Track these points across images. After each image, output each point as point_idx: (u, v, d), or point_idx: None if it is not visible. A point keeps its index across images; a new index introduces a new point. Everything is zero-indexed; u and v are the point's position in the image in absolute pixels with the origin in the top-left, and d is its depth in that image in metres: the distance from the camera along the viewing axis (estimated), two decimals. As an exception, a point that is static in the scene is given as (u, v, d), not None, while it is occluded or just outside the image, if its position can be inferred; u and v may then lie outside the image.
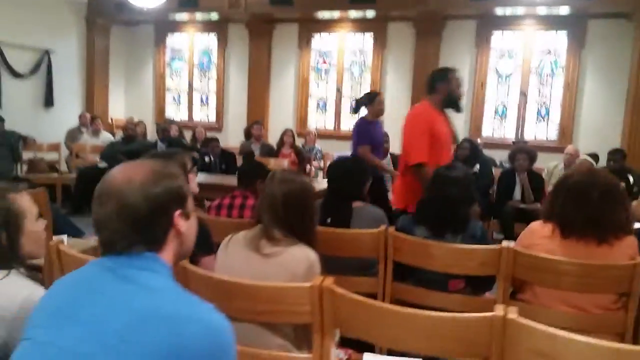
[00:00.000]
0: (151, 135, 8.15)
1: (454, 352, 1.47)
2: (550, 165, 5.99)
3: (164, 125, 6.64)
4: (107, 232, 1.04)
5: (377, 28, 7.98)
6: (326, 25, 8.24)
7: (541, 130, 7.64)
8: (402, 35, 7.82)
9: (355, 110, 4.62)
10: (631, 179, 4.86)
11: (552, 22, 7.32)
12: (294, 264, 1.66)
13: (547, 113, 7.61)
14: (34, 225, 1.49)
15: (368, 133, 4.37)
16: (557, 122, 7.50)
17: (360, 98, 4.63)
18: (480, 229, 2.27)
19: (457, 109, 3.45)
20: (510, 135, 7.73)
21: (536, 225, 2.19)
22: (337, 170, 2.62)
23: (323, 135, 8.07)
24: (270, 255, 1.69)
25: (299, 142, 7.37)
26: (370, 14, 7.72)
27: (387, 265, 2.32)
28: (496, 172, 5.56)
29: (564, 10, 6.90)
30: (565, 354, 1.31)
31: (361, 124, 4.46)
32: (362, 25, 8.08)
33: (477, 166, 5.25)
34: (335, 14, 7.94)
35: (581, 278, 2.04)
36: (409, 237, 2.25)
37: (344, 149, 7.10)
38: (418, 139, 3.22)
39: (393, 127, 7.12)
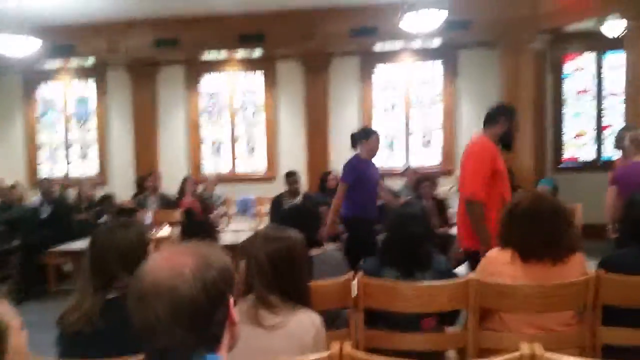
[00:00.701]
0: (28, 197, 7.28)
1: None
2: (445, 189, 6.37)
3: (46, 185, 5.95)
4: (159, 338, 0.86)
5: (266, 66, 8.03)
6: (214, 66, 8.10)
7: (426, 157, 8.14)
8: (291, 72, 7.96)
9: (353, 145, 4.44)
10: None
11: (427, 54, 7.93)
12: (302, 333, 1.51)
13: (430, 140, 8.15)
14: (20, 339, 1.16)
15: (354, 171, 4.21)
16: (440, 147, 8.06)
17: (357, 132, 4.49)
18: (444, 262, 2.31)
19: (509, 148, 3.33)
20: (399, 164, 8.13)
21: (494, 253, 2.27)
22: (286, 218, 2.51)
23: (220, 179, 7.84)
24: (275, 327, 1.52)
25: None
26: (258, 52, 7.75)
27: (358, 312, 2.24)
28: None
29: (437, 42, 7.51)
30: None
31: (351, 161, 4.32)
32: (250, 64, 8.07)
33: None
34: (223, 54, 7.86)
35: (544, 299, 2.14)
36: (379, 281, 2.21)
37: (246, 192, 6.96)
38: (479, 174, 3.07)
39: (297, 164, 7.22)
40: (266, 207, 6.57)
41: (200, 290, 0.88)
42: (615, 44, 7.03)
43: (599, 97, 7.78)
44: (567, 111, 7.89)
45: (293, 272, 1.62)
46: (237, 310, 1.62)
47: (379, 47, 7.71)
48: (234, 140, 8.26)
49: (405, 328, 2.20)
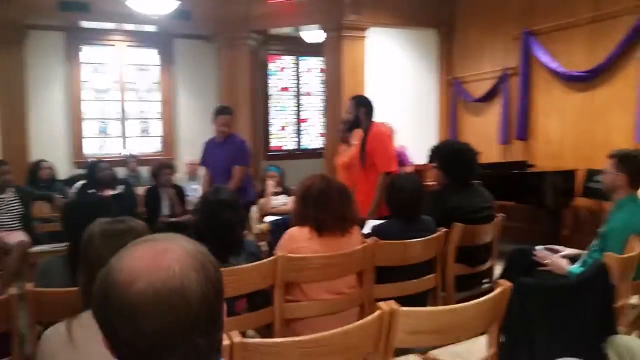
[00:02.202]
0: None
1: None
2: (178, 176, 6.29)
3: None
4: (170, 354, 0.69)
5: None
6: None
7: (146, 144, 7.85)
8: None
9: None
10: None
11: (142, 39, 7.60)
12: None
13: (149, 127, 7.88)
14: None
15: (202, 151, 4.53)
16: (160, 135, 7.88)
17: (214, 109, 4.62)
18: (254, 244, 2.34)
19: None
20: (115, 151, 7.62)
21: (294, 230, 2.44)
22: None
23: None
24: None
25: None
26: None
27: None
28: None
29: (151, 27, 7.26)
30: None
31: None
32: None
33: (122, 187, 5.02)
34: None
35: (337, 266, 2.44)
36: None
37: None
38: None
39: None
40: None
41: (208, 289, 0.75)
42: (310, 49, 8.17)
43: (298, 95, 8.90)
44: (273, 105, 8.75)
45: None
46: None
47: (86, 24, 6.98)
48: None
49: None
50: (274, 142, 8.79)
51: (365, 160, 3.87)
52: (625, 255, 2.22)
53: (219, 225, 2.17)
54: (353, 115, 3.96)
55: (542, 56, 5.80)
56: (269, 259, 2.28)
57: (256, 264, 2.24)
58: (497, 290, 1.74)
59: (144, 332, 0.69)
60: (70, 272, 1.92)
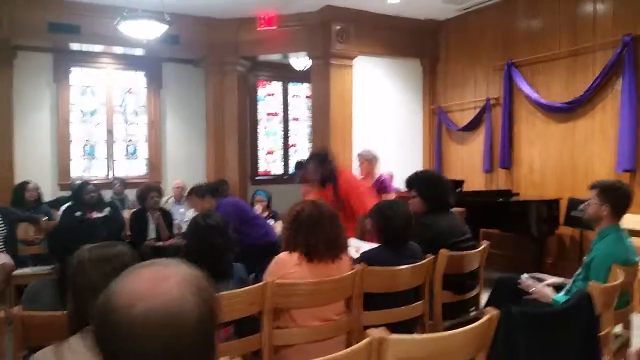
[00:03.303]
0: None
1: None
2: (163, 200, 6.26)
3: None
4: None
5: None
6: None
7: (132, 167, 7.82)
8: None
9: None
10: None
11: (130, 63, 7.63)
12: None
13: (135, 150, 7.86)
14: None
15: None
16: (146, 158, 7.85)
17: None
18: (243, 269, 2.34)
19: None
20: (101, 174, 7.57)
21: (284, 256, 2.45)
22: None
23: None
24: None
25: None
26: None
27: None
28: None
29: (139, 51, 7.30)
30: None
31: None
32: None
33: (108, 209, 4.99)
34: None
35: (326, 293, 2.44)
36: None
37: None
38: None
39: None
40: None
41: (206, 313, 0.77)
42: (297, 75, 8.28)
43: (285, 120, 8.97)
44: (261, 130, 8.80)
45: None
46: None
47: (75, 46, 7.00)
48: None
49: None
50: (262, 167, 8.82)
51: (344, 207, 4.06)
52: (608, 285, 2.27)
53: (209, 249, 2.18)
54: (319, 174, 4.21)
55: (524, 87, 5.96)
56: (257, 284, 2.28)
57: (244, 289, 2.24)
58: (485, 318, 1.76)
59: (143, 355, 0.70)
60: (59, 295, 1.91)
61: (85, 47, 7.02)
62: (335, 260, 2.48)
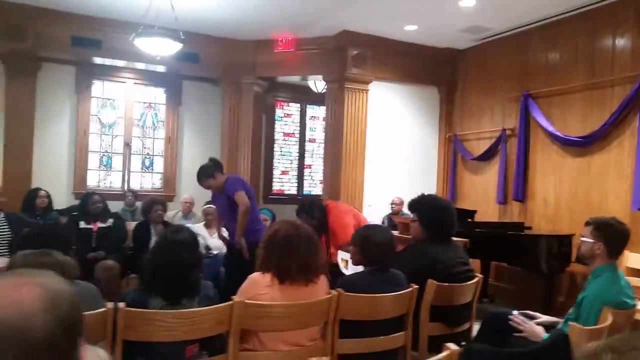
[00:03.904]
0: None
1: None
2: (170, 214, 6.31)
3: None
4: None
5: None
6: None
7: (146, 180, 7.92)
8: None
9: None
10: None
11: (151, 78, 7.79)
12: None
13: (152, 164, 7.96)
14: None
15: None
16: (161, 171, 7.95)
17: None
18: (212, 287, 2.30)
19: None
20: (116, 185, 7.68)
21: (256, 276, 2.40)
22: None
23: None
24: None
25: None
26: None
27: (116, 345, 2.04)
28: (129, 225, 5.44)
29: (161, 68, 7.45)
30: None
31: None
32: None
33: (111, 220, 5.03)
34: None
35: (298, 317, 2.37)
36: (142, 311, 2.06)
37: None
38: None
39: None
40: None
41: (56, 326, 0.72)
42: (316, 98, 8.32)
43: (302, 141, 8.99)
44: (277, 150, 8.83)
45: None
46: None
47: (99, 60, 7.19)
48: None
49: (169, 358, 2.11)
50: (276, 186, 8.82)
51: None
52: (591, 327, 2.14)
53: (176, 265, 2.14)
54: (316, 221, 4.57)
55: (540, 119, 5.83)
56: (225, 304, 2.23)
57: (211, 307, 2.19)
58: (444, 354, 1.67)
59: None
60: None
61: (108, 61, 7.19)
62: (309, 283, 2.41)
